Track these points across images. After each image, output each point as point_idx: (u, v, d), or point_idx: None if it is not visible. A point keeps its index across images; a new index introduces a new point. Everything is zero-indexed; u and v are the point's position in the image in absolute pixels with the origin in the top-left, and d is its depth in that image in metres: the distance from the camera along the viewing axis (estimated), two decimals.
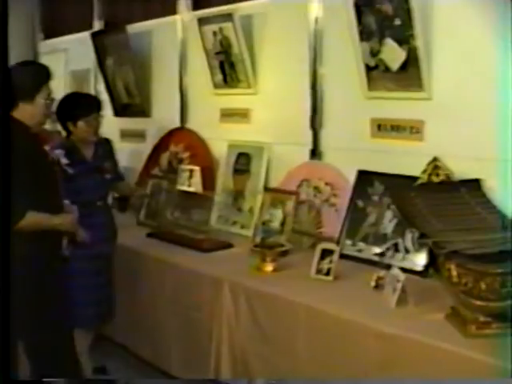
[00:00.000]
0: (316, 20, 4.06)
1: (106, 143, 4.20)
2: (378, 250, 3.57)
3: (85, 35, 5.93)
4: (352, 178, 3.87)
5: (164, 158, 5.17)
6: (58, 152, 3.82)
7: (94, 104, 4.03)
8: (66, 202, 3.52)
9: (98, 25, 6.04)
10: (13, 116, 3.18)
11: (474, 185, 3.15)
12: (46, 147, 3.57)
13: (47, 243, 3.28)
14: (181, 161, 4.95)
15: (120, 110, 5.75)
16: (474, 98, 3.36)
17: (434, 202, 2.96)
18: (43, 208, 3.20)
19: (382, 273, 3.19)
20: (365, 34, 3.65)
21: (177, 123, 5.20)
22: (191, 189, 4.42)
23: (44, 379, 3.30)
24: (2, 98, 2.27)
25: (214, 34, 4.55)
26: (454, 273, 2.60)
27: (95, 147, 4.01)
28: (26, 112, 3.23)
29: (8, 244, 2.40)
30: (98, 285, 3.91)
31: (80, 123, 3.87)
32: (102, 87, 5.94)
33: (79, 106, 3.92)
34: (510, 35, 3.10)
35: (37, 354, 3.36)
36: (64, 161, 3.82)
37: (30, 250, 3.18)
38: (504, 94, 3.20)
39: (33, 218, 3.14)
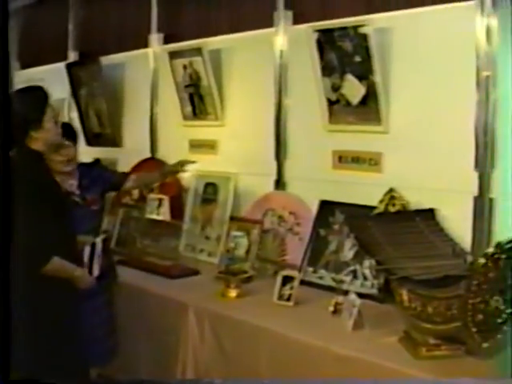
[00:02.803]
0: (281, 53, 4.22)
1: (92, 170, 4.04)
2: (346, 279, 3.67)
3: (60, 66, 6.04)
4: (314, 207, 4.00)
5: None
6: (72, 182, 3.80)
7: (64, 132, 3.71)
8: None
9: (72, 56, 6.15)
10: (29, 147, 3.13)
11: (428, 214, 3.31)
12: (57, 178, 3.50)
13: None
14: (151, 190, 5.03)
15: (92, 140, 5.85)
16: (428, 132, 3.53)
17: (390, 231, 3.10)
18: (63, 245, 3.14)
19: (341, 298, 3.29)
20: (327, 70, 3.82)
21: (147, 153, 5.31)
22: (160, 217, 4.50)
23: None
24: (3, 99, 2.29)
25: (184, 67, 4.70)
26: (405, 297, 2.74)
27: (79, 178, 3.88)
28: (39, 139, 3.14)
29: (8, 248, 2.38)
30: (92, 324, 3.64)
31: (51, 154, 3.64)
32: (74, 115, 6.04)
33: None
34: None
35: None
36: (77, 191, 3.80)
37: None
38: (457, 125, 3.41)
39: (57, 265, 3.08)
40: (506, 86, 3.23)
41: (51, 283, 3.07)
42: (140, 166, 5.26)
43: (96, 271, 3.43)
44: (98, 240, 3.49)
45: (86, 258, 3.41)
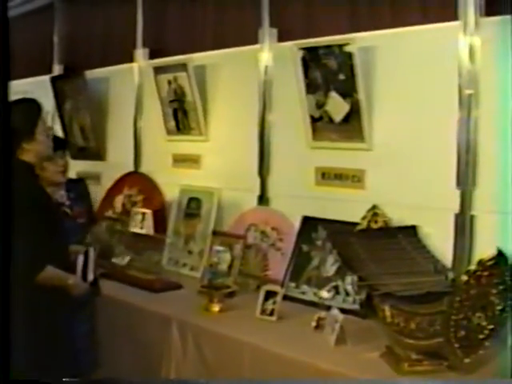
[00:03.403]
0: (266, 69, 4.25)
1: (79, 185, 4.14)
2: (325, 294, 3.69)
3: (44, 79, 6.03)
4: (297, 223, 4.02)
5: (118, 201, 5.22)
6: (63, 193, 3.82)
7: (56, 143, 3.79)
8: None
9: (57, 69, 6.15)
10: (20, 158, 3.11)
11: (411, 231, 3.34)
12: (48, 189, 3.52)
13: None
14: (134, 204, 5.03)
15: (75, 153, 5.82)
16: (410, 150, 3.56)
17: (372, 247, 3.12)
18: (56, 254, 3.15)
19: (323, 314, 3.31)
20: (311, 87, 3.84)
21: (131, 167, 5.31)
22: (143, 231, 4.51)
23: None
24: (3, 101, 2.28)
25: (169, 82, 4.72)
26: (388, 313, 2.75)
27: (67, 190, 3.94)
28: (30, 151, 3.15)
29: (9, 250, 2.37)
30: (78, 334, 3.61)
31: (46, 164, 3.74)
32: (58, 128, 5.96)
33: None
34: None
35: None
36: (67, 202, 3.82)
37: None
38: (439, 143, 3.45)
39: (51, 273, 3.09)
40: (488, 105, 3.27)
41: (44, 291, 3.06)
42: (123, 180, 5.28)
43: (90, 277, 3.46)
44: (91, 248, 3.53)
45: (79, 266, 3.42)
